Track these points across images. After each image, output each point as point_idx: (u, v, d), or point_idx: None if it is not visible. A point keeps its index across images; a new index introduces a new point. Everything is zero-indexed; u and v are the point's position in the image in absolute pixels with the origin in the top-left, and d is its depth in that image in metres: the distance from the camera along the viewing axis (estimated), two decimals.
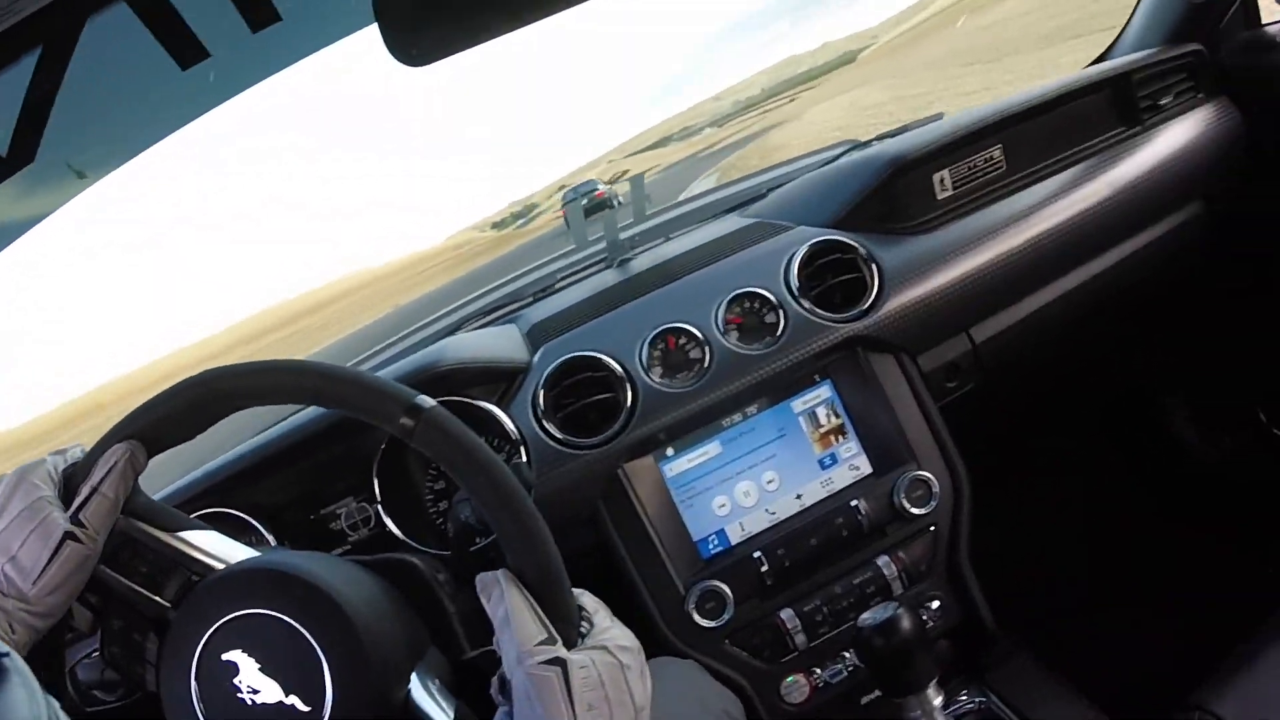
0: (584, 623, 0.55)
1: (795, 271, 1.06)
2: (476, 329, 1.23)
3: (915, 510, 1.02)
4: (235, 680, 0.56)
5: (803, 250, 1.07)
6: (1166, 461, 1.63)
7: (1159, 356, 1.58)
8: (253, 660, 0.56)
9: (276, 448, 1.01)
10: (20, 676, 0.43)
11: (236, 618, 0.57)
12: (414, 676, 0.59)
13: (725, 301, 1.04)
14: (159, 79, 0.94)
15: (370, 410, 0.59)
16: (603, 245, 1.29)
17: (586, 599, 0.57)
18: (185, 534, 0.63)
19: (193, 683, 0.57)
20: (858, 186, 1.12)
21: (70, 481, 0.60)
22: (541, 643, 0.51)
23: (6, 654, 0.44)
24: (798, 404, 1.05)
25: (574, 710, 0.48)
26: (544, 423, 1.00)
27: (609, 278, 1.20)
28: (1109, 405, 1.70)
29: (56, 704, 0.47)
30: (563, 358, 1.02)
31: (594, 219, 1.33)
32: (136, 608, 0.61)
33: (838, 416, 1.05)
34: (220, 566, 0.61)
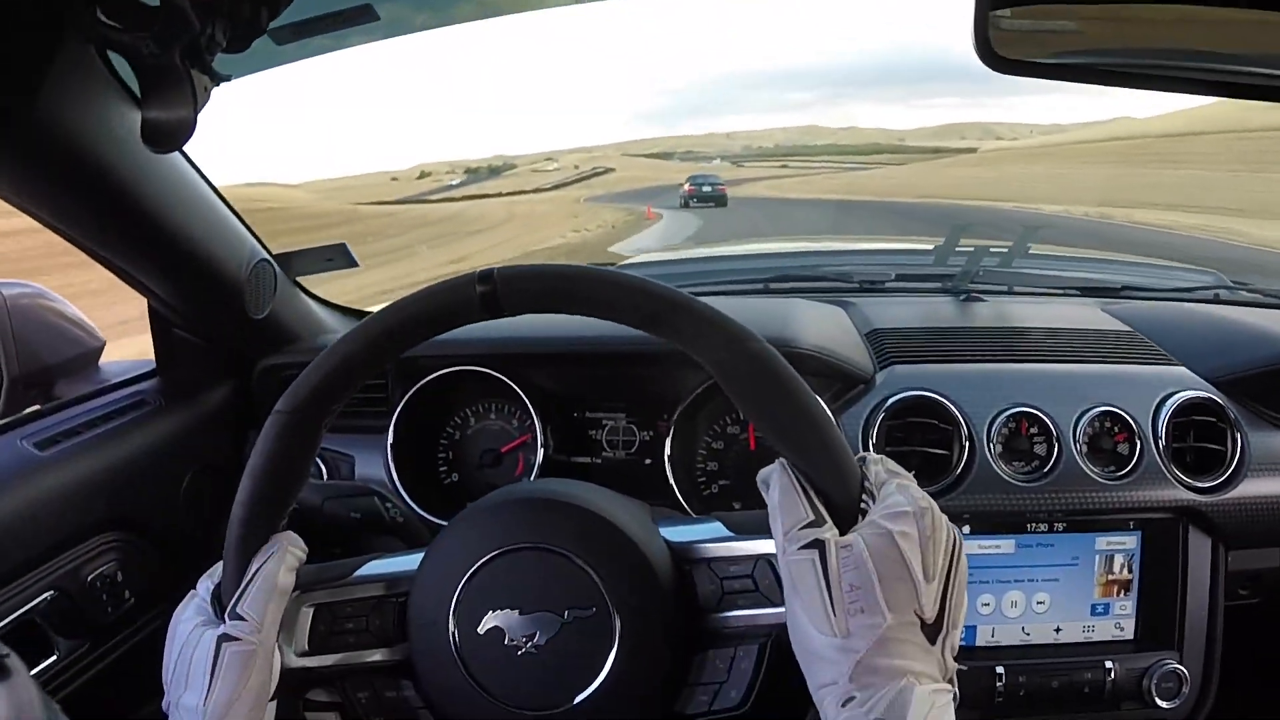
0: (866, 497, 0.48)
1: (1167, 416, 0.98)
2: (789, 294, 1.15)
3: (1160, 701, 0.96)
4: (506, 643, 0.51)
5: (1183, 397, 0.99)
6: None
7: None
8: (508, 612, 0.51)
9: (573, 347, 0.97)
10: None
11: (460, 592, 0.52)
12: (659, 526, 0.56)
13: (1093, 411, 0.96)
14: None
15: (449, 313, 0.52)
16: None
17: (874, 468, 0.50)
18: (362, 570, 0.56)
19: (469, 678, 0.51)
20: (1258, 357, 1.03)
21: (222, 597, 0.52)
22: (806, 525, 0.45)
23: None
24: (1101, 542, 0.98)
25: (830, 593, 0.43)
26: (870, 448, 0.92)
27: (950, 310, 1.13)
28: None
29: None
30: (915, 391, 0.94)
31: (965, 243, 1.23)
32: (371, 669, 0.55)
33: (1129, 571, 0.99)
34: (411, 573, 0.55)
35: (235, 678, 0.48)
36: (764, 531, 0.51)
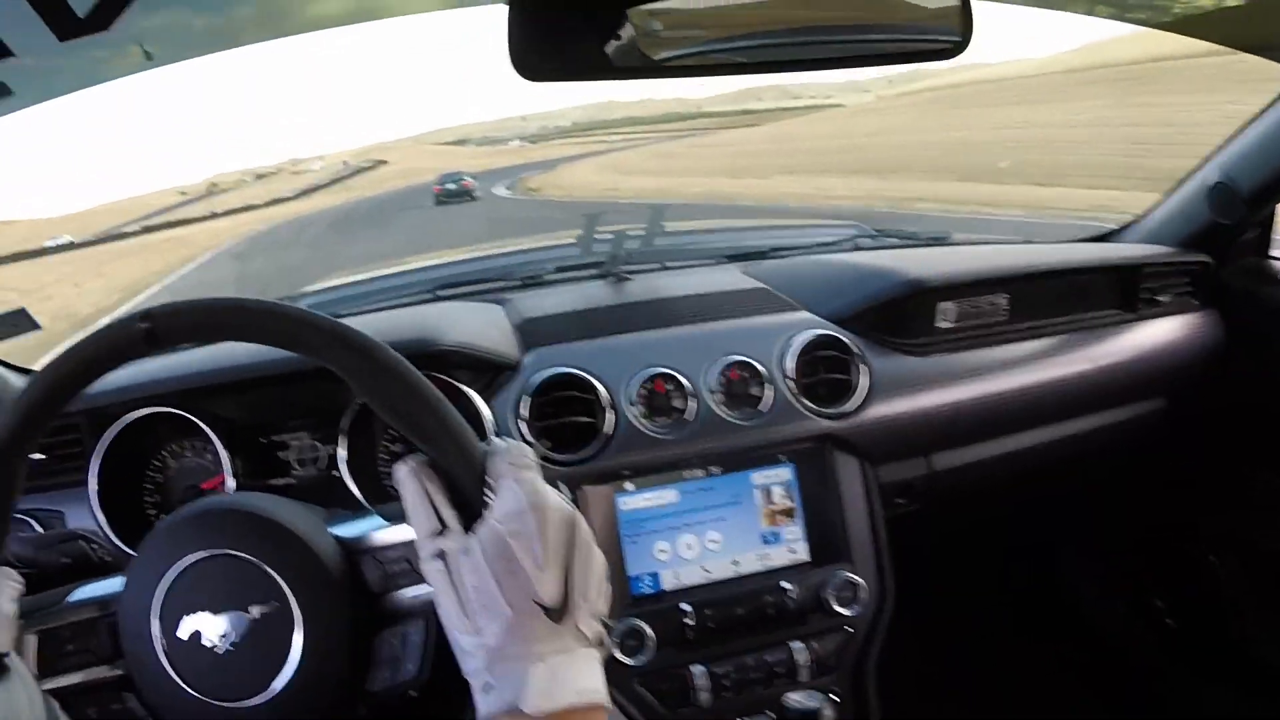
0: (488, 491, 0.52)
1: (792, 356, 1.11)
2: (456, 298, 1.25)
3: (839, 608, 1.06)
4: (203, 643, 0.57)
5: (805, 338, 1.12)
6: (1066, 618, 1.72)
7: (1084, 524, 1.67)
8: (201, 614, 0.57)
9: (248, 373, 1.02)
10: (20, 676, 0.44)
11: (163, 601, 0.58)
12: (328, 526, 0.62)
13: (721, 365, 1.09)
14: None
15: (111, 353, 0.57)
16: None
17: (495, 461, 0.53)
18: (74, 596, 0.62)
19: (178, 683, 0.57)
20: (869, 293, 1.18)
21: None
22: (434, 535, 0.51)
23: (6, 654, 0.44)
24: (757, 477, 1.09)
25: (459, 598, 0.49)
26: (521, 426, 1.03)
27: (603, 291, 1.24)
28: (1030, 552, 1.78)
29: (56, 704, 0.48)
30: (557, 369, 1.05)
31: (603, 230, 1.37)
32: (95, 686, 0.60)
33: (790, 499, 1.10)
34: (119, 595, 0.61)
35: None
36: None
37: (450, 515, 0.52)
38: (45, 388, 0.57)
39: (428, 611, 0.60)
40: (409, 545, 0.60)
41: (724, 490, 1.08)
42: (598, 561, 0.53)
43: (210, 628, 0.57)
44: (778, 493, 1.10)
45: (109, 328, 0.57)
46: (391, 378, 0.54)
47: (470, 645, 0.49)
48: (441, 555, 0.51)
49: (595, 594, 0.52)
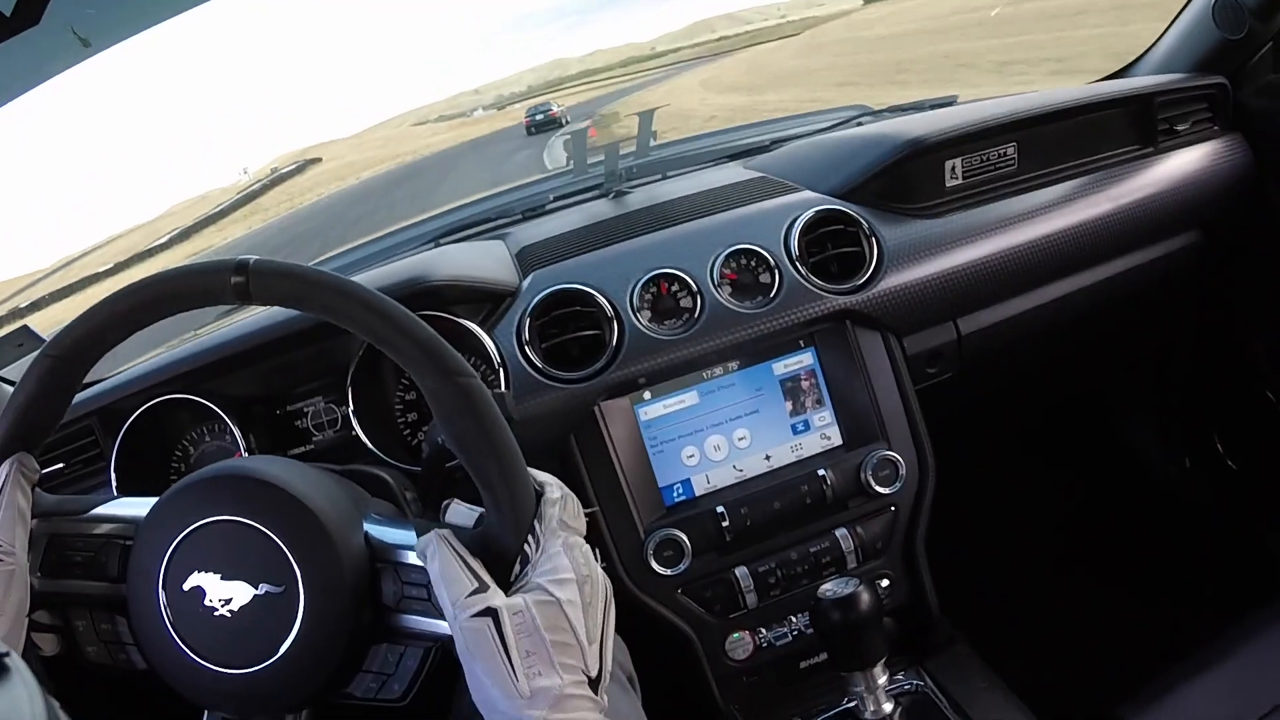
0: (532, 540, 0.54)
1: (796, 236, 1.05)
2: (460, 241, 1.22)
3: (880, 489, 1.03)
4: (205, 602, 0.56)
5: (806, 216, 1.06)
6: (1127, 475, 1.67)
7: (1133, 373, 1.61)
8: (212, 574, 0.56)
9: (248, 343, 1.00)
10: (20, 676, 0.42)
11: (177, 545, 0.57)
12: (365, 522, 0.60)
13: (723, 255, 1.04)
14: None
15: (203, 293, 0.58)
16: (593, 173, 1.29)
17: (550, 510, 0.55)
18: (98, 509, 0.62)
19: (171, 629, 0.56)
20: (870, 160, 1.11)
21: None
22: (473, 593, 0.50)
23: (7, 653, 0.42)
24: (779, 366, 1.05)
25: (510, 659, 0.48)
26: (526, 350, 0.99)
27: (603, 208, 1.20)
28: (1079, 413, 1.72)
29: (56, 704, 0.44)
30: (553, 288, 1.01)
31: (595, 148, 1.31)
32: (91, 599, 0.60)
33: (816, 385, 1.06)
34: (139, 521, 0.60)
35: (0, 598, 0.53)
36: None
37: (487, 575, 0.51)
38: (129, 305, 0.57)
39: (432, 643, 0.58)
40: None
41: (746, 385, 1.04)
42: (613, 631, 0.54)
43: (215, 590, 0.56)
44: (803, 379, 1.05)
45: (203, 267, 0.57)
46: (474, 418, 0.54)
47: (515, 712, 0.48)
48: (490, 613, 0.49)
49: (609, 658, 0.53)
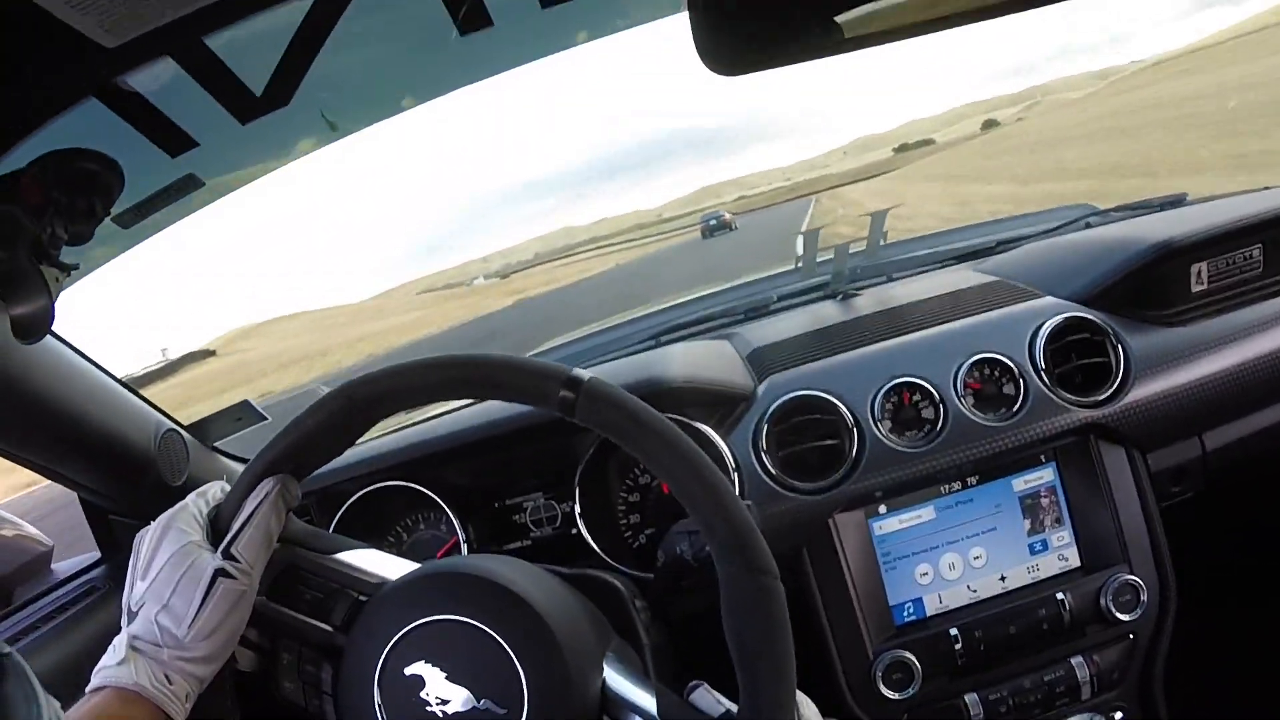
0: None
1: (1042, 345, 1.00)
2: (684, 339, 1.18)
3: (1120, 615, 0.96)
4: (422, 694, 0.54)
5: (1052, 323, 1.01)
6: None
7: None
8: (438, 670, 0.54)
9: (475, 436, 0.98)
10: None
11: (415, 628, 0.55)
12: (605, 664, 0.56)
13: (967, 364, 0.99)
14: (433, 41, 0.89)
15: (526, 391, 0.56)
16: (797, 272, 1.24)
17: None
18: (344, 554, 0.61)
19: (377, 703, 0.54)
20: (1115, 265, 1.05)
21: (217, 522, 0.57)
22: None
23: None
24: (1019, 483, 0.99)
25: None
26: (763, 457, 0.95)
27: (832, 310, 1.15)
28: None
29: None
30: (793, 394, 0.97)
31: (825, 248, 1.27)
32: (306, 637, 0.59)
33: (1056, 503, 1.00)
34: (385, 581, 0.59)
35: (223, 612, 0.53)
36: None
37: None
38: (453, 371, 0.57)
39: None
40: None
41: (984, 501, 0.99)
42: None
43: (436, 686, 0.53)
44: (1042, 496, 1.00)
45: (536, 368, 0.56)
46: (758, 610, 0.52)
47: None
48: None
49: None
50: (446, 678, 0.53)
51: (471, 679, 0.53)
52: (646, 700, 0.54)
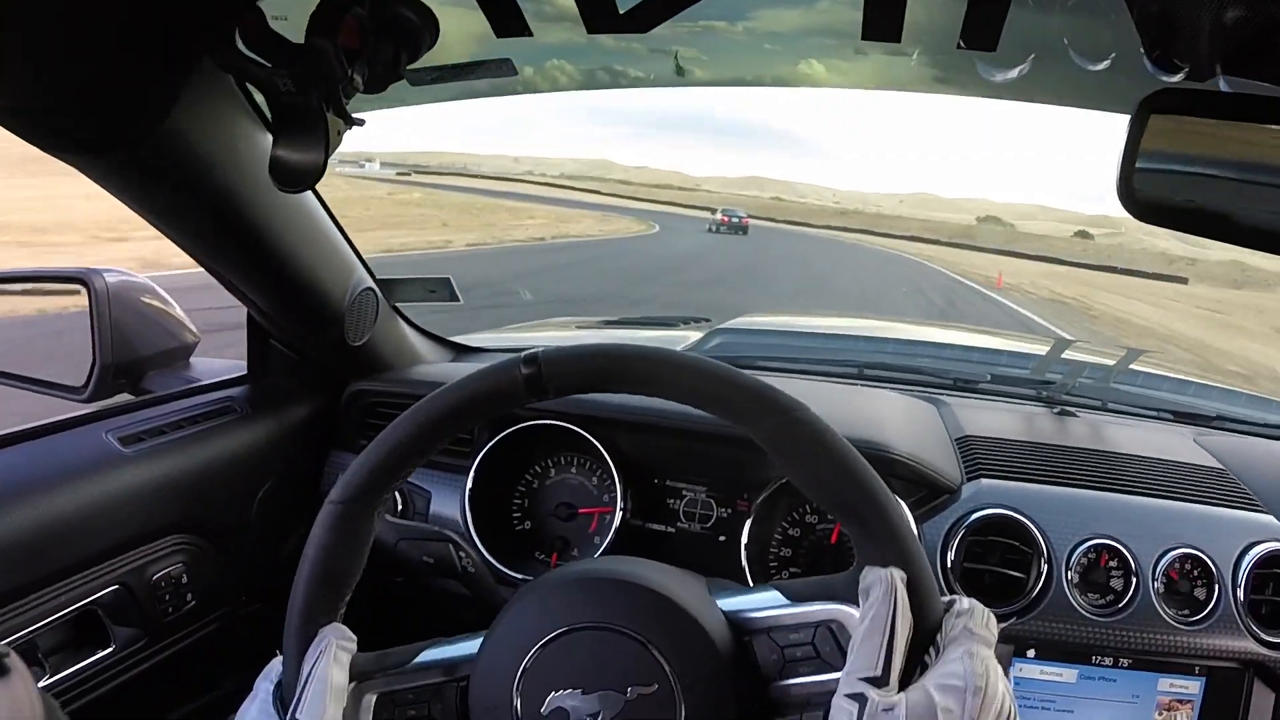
0: (934, 648, 0.48)
1: (1248, 567, 0.96)
2: (888, 382, 1.14)
3: None
4: None
5: (1267, 549, 0.97)
6: None
7: None
8: (573, 690, 0.50)
9: (658, 420, 0.96)
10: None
11: (524, 672, 0.51)
12: (715, 598, 0.54)
13: (1174, 553, 0.95)
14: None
15: (492, 397, 0.53)
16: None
17: (955, 621, 0.49)
18: (422, 657, 0.56)
19: None
20: None
21: (286, 695, 0.52)
22: (866, 677, 0.46)
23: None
24: (1164, 683, 0.96)
25: None
26: (948, 561, 0.91)
27: (1046, 424, 1.12)
28: None
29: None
30: (1000, 510, 0.93)
31: (1067, 353, 1.22)
32: None
33: (1190, 714, 0.97)
34: (473, 655, 0.54)
35: None
36: (821, 597, 0.51)
37: (898, 663, 0.46)
38: (417, 429, 0.53)
39: (828, 702, 0.50)
40: (814, 627, 0.51)
41: (1125, 686, 0.96)
42: None
43: (580, 707, 0.50)
44: (1179, 705, 0.97)
45: (483, 372, 0.53)
46: (810, 441, 0.50)
47: None
48: (860, 699, 0.45)
49: None
50: (584, 693, 0.50)
51: (607, 678, 0.50)
52: (772, 597, 0.53)
